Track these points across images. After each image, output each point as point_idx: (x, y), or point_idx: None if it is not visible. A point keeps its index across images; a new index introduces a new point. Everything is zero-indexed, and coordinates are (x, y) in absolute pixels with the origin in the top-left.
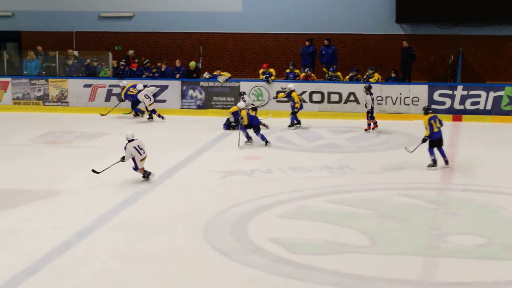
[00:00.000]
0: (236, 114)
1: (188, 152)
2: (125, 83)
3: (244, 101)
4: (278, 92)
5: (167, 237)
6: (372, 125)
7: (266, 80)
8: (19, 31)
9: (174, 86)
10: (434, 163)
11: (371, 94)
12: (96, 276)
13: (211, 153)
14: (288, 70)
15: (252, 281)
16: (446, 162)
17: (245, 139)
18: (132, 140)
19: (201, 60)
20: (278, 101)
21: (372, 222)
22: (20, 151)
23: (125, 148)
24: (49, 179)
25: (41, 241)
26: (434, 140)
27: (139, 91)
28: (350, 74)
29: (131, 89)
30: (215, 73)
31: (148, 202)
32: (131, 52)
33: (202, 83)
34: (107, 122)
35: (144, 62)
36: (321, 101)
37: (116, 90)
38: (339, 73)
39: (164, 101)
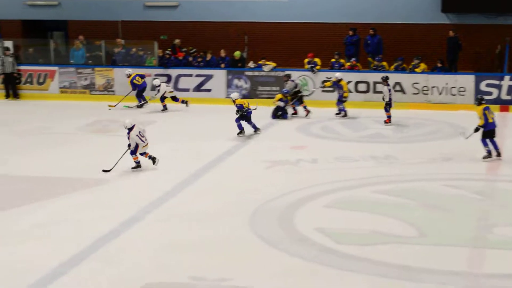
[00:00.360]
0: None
1: (234, 142)
2: (130, 71)
3: (295, 83)
4: (323, 82)
5: (214, 226)
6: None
7: (311, 70)
8: (65, 20)
9: (219, 76)
10: (489, 154)
11: (387, 85)
12: (144, 264)
13: (257, 143)
14: (333, 60)
15: (298, 270)
16: (498, 154)
17: (238, 130)
18: (132, 128)
19: (246, 50)
20: (323, 91)
21: (418, 212)
22: (67, 139)
23: (128, 137)
24: (96, 167)
25: (90, 229)
26: (488, 131)
27: (159, 85)
28: (396, 64)
29: (137, 78)
30: (260, 62)
31: (195, 191)
32: (177, 41)
33: (247, 73)
34: (152, 112)
35: (191, 51)
36: (367, 91)
37: (161, 79)
38: (384, 63)
39: (209, 90)
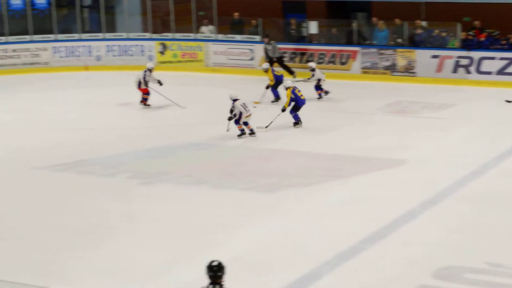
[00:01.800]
0: None
1: None
2: (267, 65)
3: None
4: None
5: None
6: None
7: None
8: (369, 1)
9: None
10: None
11: None
12: (438, 246)
13: None
14: None
15: None
16: None
17: (293, 121)
18: (237, 99)
19: None
20: None
21: None
22: (366, 119)
23: (233, 106)
24: (394, 148)
25: (386, 209)
26: None
27: (314, 69)
28: None
29: (276, 71)
30: None
31: (493, 175)
32: (476, 23)
33: None
34: (455, 94)
35: (494, 34)
36: None
37: (463, 62)
38: None
39: None
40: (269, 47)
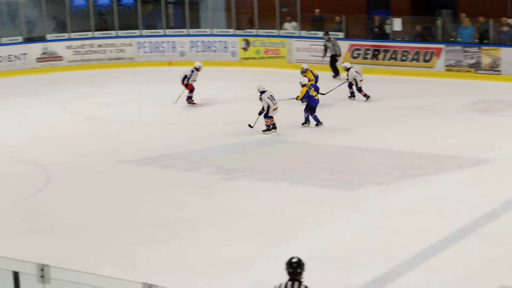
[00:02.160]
0: None
1: None
2: (307, 66)
3: None
4: None
5: None
6: None
7: None
8: None
9: None
10: None
11: None
12: None
13: None
14: None
15: None
16: None
17: (303, 121)
18: (264, 91)
19: None
20: None
21: None
22: (449, 117)
23: (260, 98)
24: (478, 146)
25: (469, 207)
26: None
27: (348, 68)
28: None
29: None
30: None
31: None
32: None
33: None
34: None
35: None
36: None
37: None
38: None
39: None
40: (329, 44)
